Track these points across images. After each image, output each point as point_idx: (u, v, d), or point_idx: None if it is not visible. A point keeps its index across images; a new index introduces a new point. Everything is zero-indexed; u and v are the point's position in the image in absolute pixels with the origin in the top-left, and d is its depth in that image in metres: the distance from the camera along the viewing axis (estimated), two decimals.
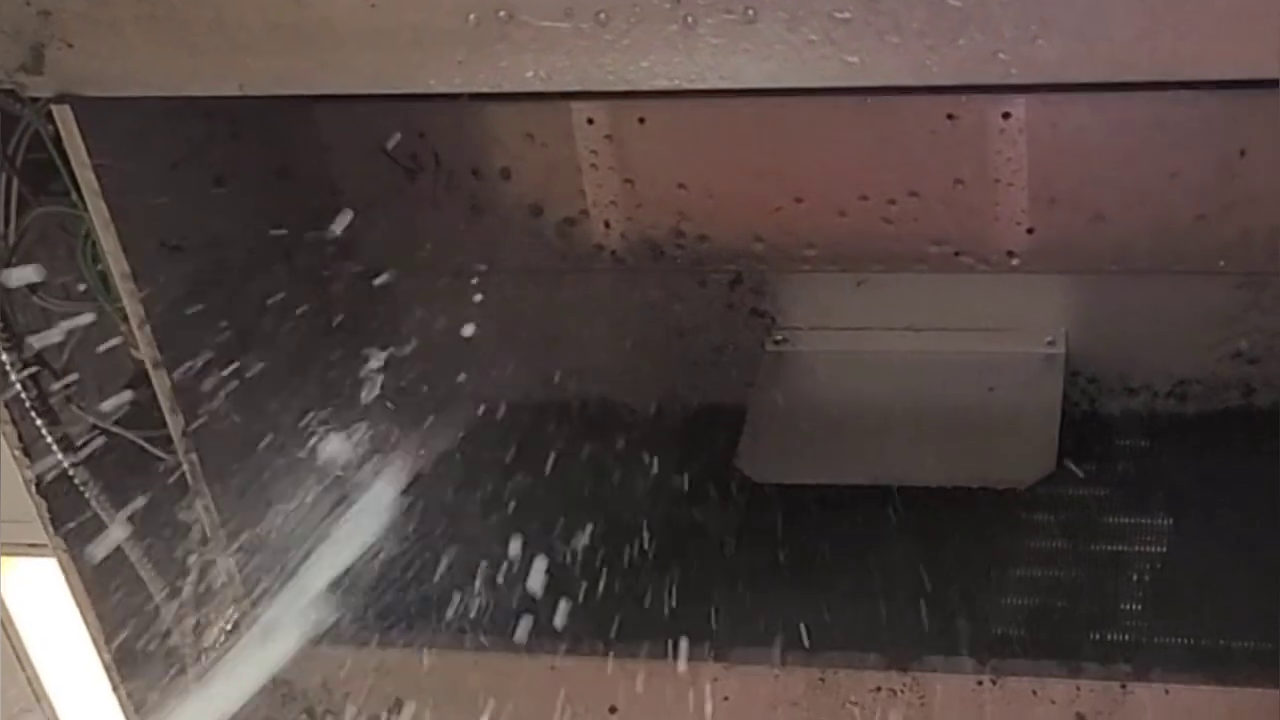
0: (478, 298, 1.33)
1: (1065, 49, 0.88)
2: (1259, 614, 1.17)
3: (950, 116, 1.23)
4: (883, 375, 1.38)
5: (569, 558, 1.23)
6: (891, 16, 0.88)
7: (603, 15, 0.89)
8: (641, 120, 1.28)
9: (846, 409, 1.37)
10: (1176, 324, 1.35)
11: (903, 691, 1.14)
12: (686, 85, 0.92)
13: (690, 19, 0.89)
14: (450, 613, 1.21)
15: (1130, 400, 1.39)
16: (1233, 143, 1.21)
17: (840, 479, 1.30)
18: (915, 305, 1.37)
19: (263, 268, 1.22)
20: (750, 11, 0.88)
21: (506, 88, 0.92)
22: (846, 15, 0.88)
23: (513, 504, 1.30)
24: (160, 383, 1.10)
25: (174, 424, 1.11)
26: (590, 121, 1.28)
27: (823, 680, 1.17)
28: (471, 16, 0.90)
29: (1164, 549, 1.24)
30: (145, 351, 1.07)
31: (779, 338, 1.41)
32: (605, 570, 1.20)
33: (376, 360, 1.31)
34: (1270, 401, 1.37)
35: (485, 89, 0.92)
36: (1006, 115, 1.23)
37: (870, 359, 1.39)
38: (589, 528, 1.24)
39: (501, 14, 0.90)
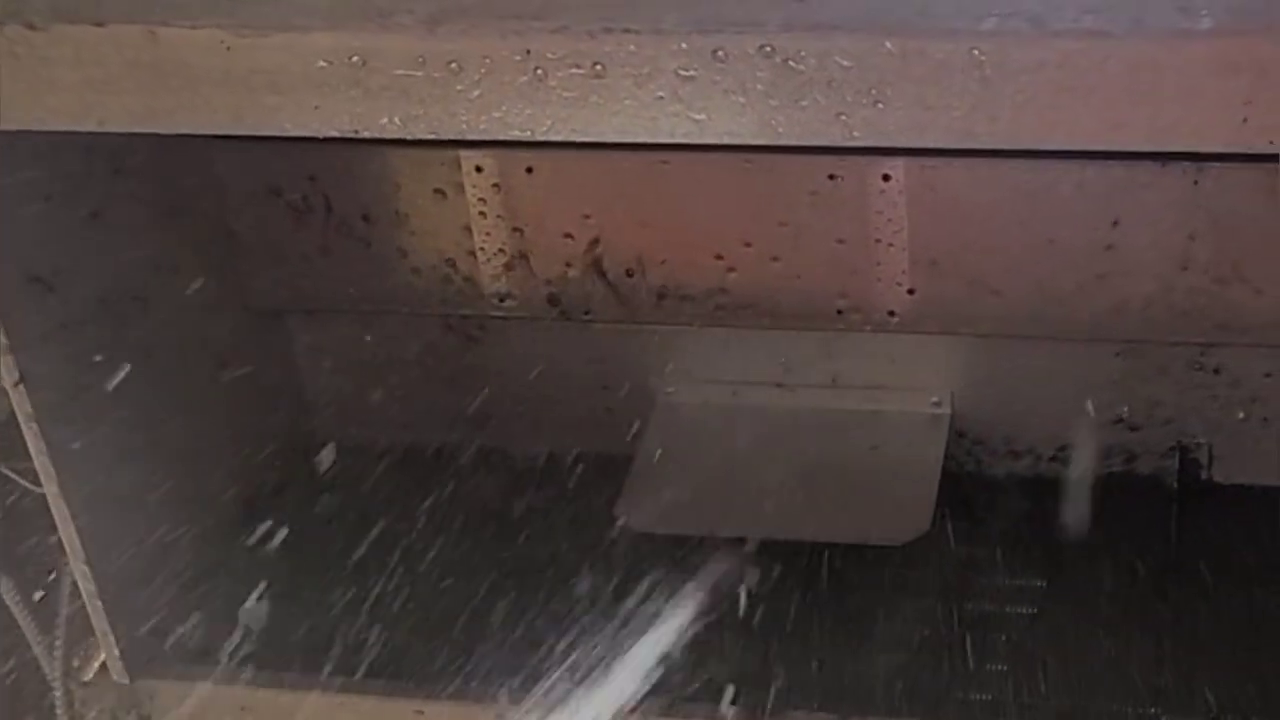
0: (366, 338, 1.34)
1: (905, 115, 0.89)
2: (1124, 678, 1.19)
3: (832, 177, 1.25)
4: (767, 430, 1.39)
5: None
6: (736, 77, 0.89)
7: (454, 65, 0.90)
8: (529, 170, 1.29)
9: (730, 462, 1.38)
10: (1061, 389, 1.37)
11: None
12: (539, 136, 0.93)
13: (540, 71, 0.90)
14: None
15: (1014, 463, 1.40)
16: (1107, 212, 1.23)
17: (716, 531, 1.30)
18: (802, 361, 1.39)
19: (140, 303, 1.23)
20: (599, 66, 0.90)
21: (364, 133, 0.93)
22: (692, 74, 0.89)
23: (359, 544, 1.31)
24: (22, 409, 1.10)
25: (37, 453, 1.12)
26: (479, 169, 1.30)
27: None
28: (324, 62, 0.91)
29: (1034, 610, 1.26)
30: (7, 379, 1.08)
31: (669, 389, 1.42)
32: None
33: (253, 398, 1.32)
34: (1151, 468, 1.38)
35: (341, 133, 0.93)
36: (886, 177, 1.24)
37: (756, 414, 1.41)
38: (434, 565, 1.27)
39: (355, 59, 0.91)
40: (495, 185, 1.30)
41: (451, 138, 0.93)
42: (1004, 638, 1.22)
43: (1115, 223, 1.23)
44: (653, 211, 1.30)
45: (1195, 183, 1.20)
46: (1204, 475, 1.38)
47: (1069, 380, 1.36)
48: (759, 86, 0.89)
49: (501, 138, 0.93)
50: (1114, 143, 0.88)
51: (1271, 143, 0.87)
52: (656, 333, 1.38)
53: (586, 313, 1.35)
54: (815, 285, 1.31)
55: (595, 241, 1.32)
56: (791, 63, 0.88)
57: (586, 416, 1.43)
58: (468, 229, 1.32)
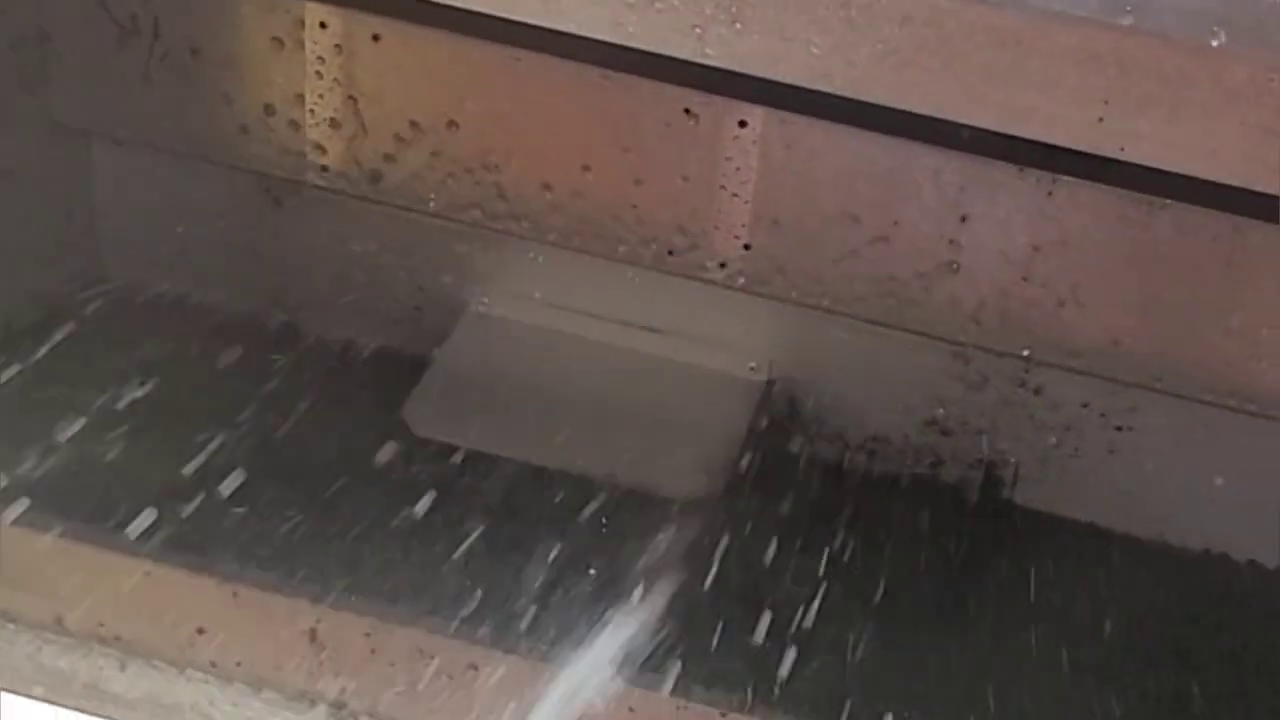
0: (172, 180, 1.25)
1: (762, 42, 0.84)
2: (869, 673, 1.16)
3: (688, 111, 1.19)
4: (578, 359, 1.34)
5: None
6: None
7: None
8: (375, 37, 1.22)
9: (531, 384, 1.32)
10: (881, 379, 1.33)
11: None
12: None
13: None
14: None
15: (819, 445, 1.36)
16: (957, 206, 1.20)
17: (500, 450, 1.25)
18: (625, 297, 1.33)
19: None
20: None
21: None
22: None
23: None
24: None
25: None
26: (323, 25, 1.21)
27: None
28: None
29: (783, 591, 1.20)
30: None
31: (482, 299, 1.36)
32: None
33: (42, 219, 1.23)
34: (955, 477, 1.36)
35: None
36: (743, 124, 1.19)
37: (570, 341, 1.35)
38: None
39: None
40: (337, 46, 1.22)
41: None
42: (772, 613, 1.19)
43: (964, 218, 1.20)
44: (497, 109, 1.23)
45: (1049, 194, 1.17)
46: (1005, 494, 1.35)
47: (891, 371, 1.32)
48: None
49: None
50: (966, 116, 0.84)
51: (1122, 149, 0.84)
52: (479, 237, 1.32)
53: (407, 202, 1.28)
54: (651, 220, 1.25)
55: (430, 128, 1.25)
56: None
57: (391, 311, 1.36)
58: (300, 86, 1.24)
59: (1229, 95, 0.80)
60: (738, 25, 0.83)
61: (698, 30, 0.83)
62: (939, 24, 0.81)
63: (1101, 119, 0.82)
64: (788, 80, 0.84)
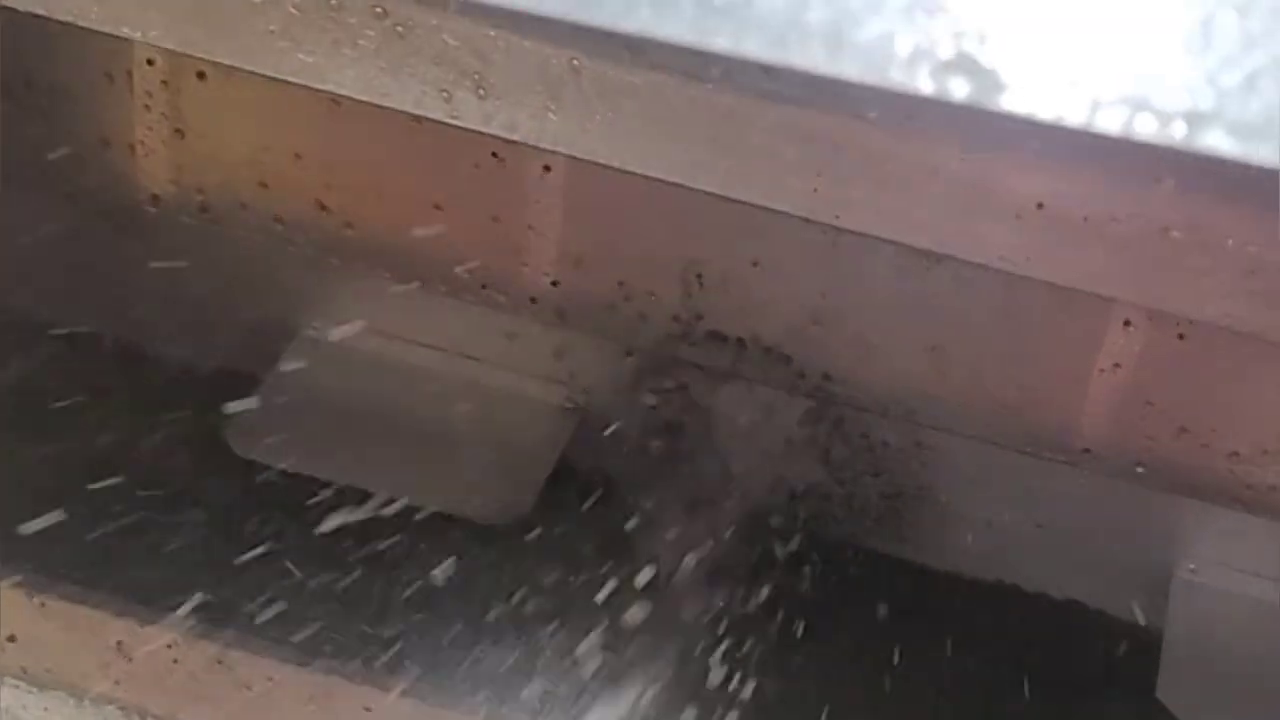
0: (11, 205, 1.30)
1: (505, 108, 0.90)
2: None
3: (495, 155, 1.26)
4: (401, 386, 1.40)
5: None
6: (347, 30, 0.89)
7: None
8: (200, 75, 1.28)
9: (354, 409, 1.38)
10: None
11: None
12: (151, 40, 0.92)
13: None
14: None
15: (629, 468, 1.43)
16: (750, 249, 1.26)
17: (318, 472, 1.31)
18: (450, 327, 1.39)
19: None
20: None
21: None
22: (303, 14, 0.89)
23: None
24: None
25: None
26: (150, 63, 1.27)
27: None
28: None
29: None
30: None
31: (314, 324, 1.41)
32: None
33: None
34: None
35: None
36: (547, 168, 1.25)
37: (394, 368, 1.41)
38: None
39: None
40: (165, 83, 1.28)
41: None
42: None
43: (755, 263, 1.27)
44: (320, 147, 1.29)
45: (834, 244, 1.24)
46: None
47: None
48: (369, 45, 0.90)
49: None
50: (695, 181, 0.90)
51: (837, 217, 0.90)
52: (309, 266, 1.37)
53: (239, 232, 1.33)
54: (466, 255, 1.31)
55: (255, 161, 1.31)
56: (400, 29, 0.89)
57: (226, 334, 1.41)
58: (130, 119, 1.30)
59: (927, 172, 0.87)
60: (481, 91, 0.89)
61: (445, 94, 0.90)
62: (662, 99, 0.87)
63: (816, 190, 0.89)
64: (527, 142, 0.90)
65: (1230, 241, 0.88)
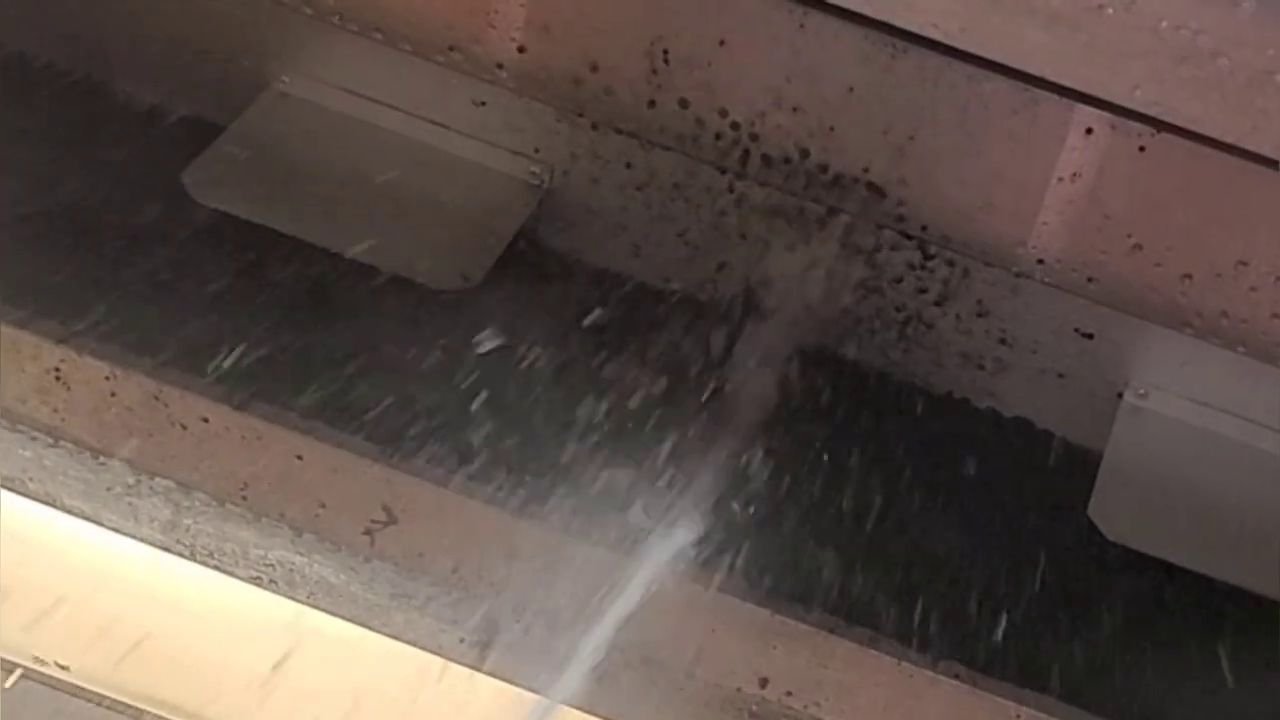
0: None
1: None
2: None
3: None
4: (364, 145, 1.39)
5: None
6: None
7: None
8: None
9: (314, 164, 1.38)
10: (650, 214, 1.37)
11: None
12: None
13: None
14: None
15: (587, 252, 1.42)
16: (715, 29, 1.24)
17: (272, 222, 1.32)
18: (418, 89, 1.37)
19: None
20: None
21: None
22: None
23: None
24: None
25: None
26: None
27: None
28: None
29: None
30: None
31: (284, 78, 1.40)
32: None
33: None
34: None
35: None
36: None
37: (359, 126, 1.39)
38: None
39: None
40: None
41: None
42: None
43: (721, 41, 1.24)
44: None
45: (800, 27, 1.21)
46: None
47: (663, 210, 1.36)
48: None
49: None
50: None
51: None
52: (284, 19, 1.35)
53: None
54: (431, 15, 1.29)
55: None
56: None
57: (199, 82, 1.41)
58: None
59: None
60: None
61: None
62: None
63: None
64: None
65: (1164, 24, 0.85)
